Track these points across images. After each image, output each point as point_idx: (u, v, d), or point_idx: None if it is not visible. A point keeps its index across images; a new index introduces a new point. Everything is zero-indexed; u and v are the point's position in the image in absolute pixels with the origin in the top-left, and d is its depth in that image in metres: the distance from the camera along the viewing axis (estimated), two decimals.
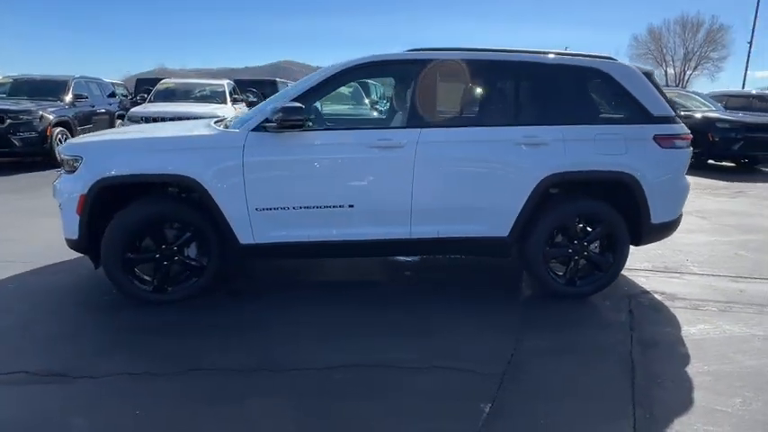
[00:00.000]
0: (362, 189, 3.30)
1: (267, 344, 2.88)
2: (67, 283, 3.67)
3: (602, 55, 3.66)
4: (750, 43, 46.64)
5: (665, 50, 52.03)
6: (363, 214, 3.33)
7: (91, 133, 4.11)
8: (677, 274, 4.11)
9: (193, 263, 3.35)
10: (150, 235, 3.24)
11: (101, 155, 3.23)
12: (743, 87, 43.65)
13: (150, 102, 9.91)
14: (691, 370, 2.69)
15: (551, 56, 3.50)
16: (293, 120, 3.06)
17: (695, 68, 51.49)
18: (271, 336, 2.98)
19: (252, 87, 13.66)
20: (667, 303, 3.55)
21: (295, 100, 3.24)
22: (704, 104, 11.44)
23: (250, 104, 10.90)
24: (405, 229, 3.38)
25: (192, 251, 3.35)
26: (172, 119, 8.24)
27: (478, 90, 3.53)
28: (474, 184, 3.36)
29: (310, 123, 3.29)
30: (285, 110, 3.08)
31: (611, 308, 3.48)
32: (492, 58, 3.46)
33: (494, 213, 3.40)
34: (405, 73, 3.49)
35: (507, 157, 3.34)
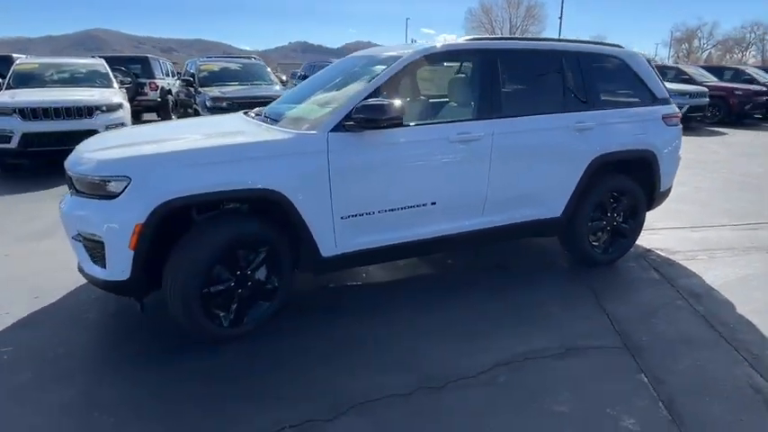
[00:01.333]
0: (444, 185, 3.22)
1: (398, 359, 2.72)
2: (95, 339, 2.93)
3: (614, 43, 4.04)
4: (561, 18, 54.17)
5: (494, 23, 57.71)
6: (444, 210, 3.26)
7: (104, 143, 3.08)
8: (652, 230, 4.82)
9: (267, 286, 2.94)
10: (224, 261, 2.74)
11: (158, 173, 2.58)
12: None
13: (10, 88, 7.92)
14: (742, 310, 3.28)
15: (588, 45, 3.77)
16: (386, 119, 2.82)
17: None
18: (392, 349, 2.81)
19: (119, 66, 11.76)
20: (672, 258, 4.20)
21: (370, 95, 2.98)
22: None
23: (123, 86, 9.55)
24: (478, 221, 3.41)
25: (261, 272, 2.93)
26: (57, 109, 6.83)
27: (536, 79, 3.64)
28: (537, 170, 3.51)
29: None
30: (371, 108, 2.82)
31: (639, 268, 4.00)
32: (547, 47, 3.61)
33: (552, 196, 3.61)
34: (474, 62, 3.42)
35: (565, 142, 3.55)
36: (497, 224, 3.49)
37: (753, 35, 78.17)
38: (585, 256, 3.90)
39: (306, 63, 13.52)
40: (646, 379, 2.57)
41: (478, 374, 2.59)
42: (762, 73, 17.03)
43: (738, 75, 16.68)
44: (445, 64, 3.73)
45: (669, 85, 8.53)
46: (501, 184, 3.39)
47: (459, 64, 3.81)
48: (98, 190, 2.59)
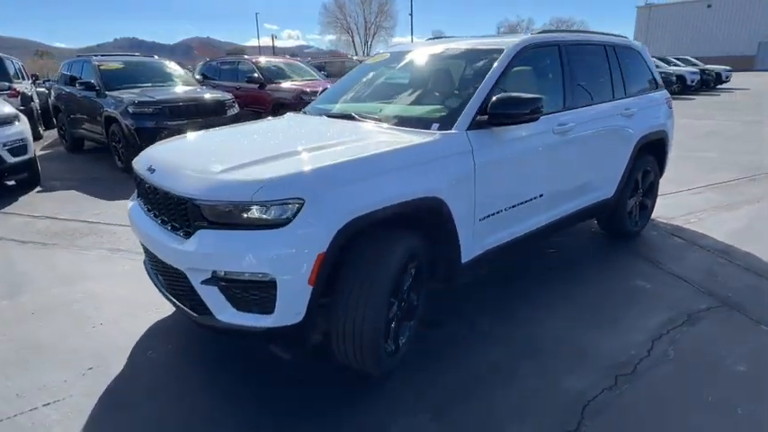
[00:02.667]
0: (548, 177, 3.26)
1: (570, 353, 2.71)
2: None
3: (620, 35, 4.45)
4: (411, 15, 57.06)
5: (349, 19, 58.63)
6: (546, 201, 3.30)
7: (216, 161, 2.41)
8: None
9: (414, 303, 2.69)
10: (396, 284, 2.43)
11: (335, 190, 2.16)
12: None
13: None
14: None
15: (616, 37, 4.09)
16: (527, 113, 2.74)
17: (374, 36, 60.12)
18: (562, 343, 2.79)
19: None
20: (675, 223, 4.81)
21: (492, 90, 2.87)
22: None
23: None
24: (564, 208, 3.52)
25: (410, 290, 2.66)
26: None
27: (594, 69, 3.82)
28: (603, 155, 3.75)
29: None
30: (511, 103, 2.72)
31: (661, 236, 4.51)
32: (597, 40, 3.83)
33: (610, 178, 3.89)
34: (556, 54, 3.46)
35: (620, 127, 3.83)
36: (573, 210, 3.63)
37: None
38: (624, 230, 4.27)
39: (202, 63, 12.34)
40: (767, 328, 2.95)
41: (648, 353, 2.71)
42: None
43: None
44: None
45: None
46: (581, 171, 3.56)
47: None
48: (258, 217, 2.09)
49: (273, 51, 54.57)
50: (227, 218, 2.13)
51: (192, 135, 3.27)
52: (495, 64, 3.01)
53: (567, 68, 3.44)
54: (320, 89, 9.10)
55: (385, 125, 2.89)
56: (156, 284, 2.72)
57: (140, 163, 2.73)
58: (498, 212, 2.94)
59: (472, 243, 2.83)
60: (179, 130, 6.95)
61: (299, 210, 2.08)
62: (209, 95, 7.77)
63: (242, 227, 2.12)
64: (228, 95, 8.06)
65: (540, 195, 3.22)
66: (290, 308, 2.13)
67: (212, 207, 2.14)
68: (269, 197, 2.07)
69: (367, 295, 2.23)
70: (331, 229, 2.11)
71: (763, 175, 6.58)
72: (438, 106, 2.96)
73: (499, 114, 2.73)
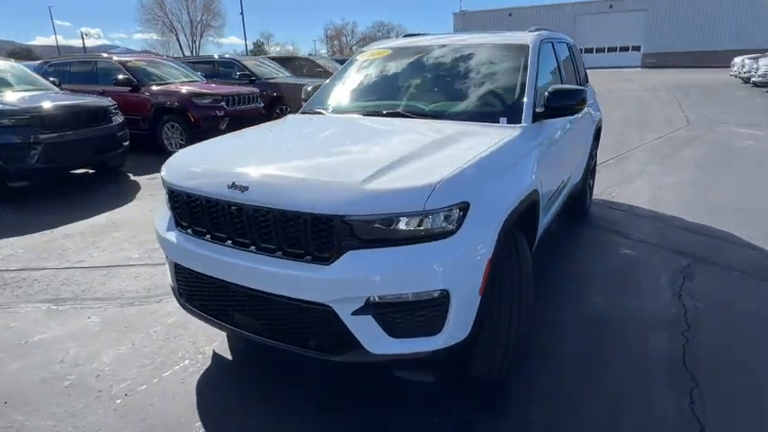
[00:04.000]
0: (567, 163, 3.51)
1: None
2: None
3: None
4: (242, 14, 54.72)
5: (171, 17, 53.72)
6: (565, 188, 3.55)
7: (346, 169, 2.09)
8: None
9: None
10: None
11: (487, 189, 2.01)
12: (246, 53, 51.51)
13: None
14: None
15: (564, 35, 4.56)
16: (576, 104, 2.89)
17: (202, 36, 56.15)
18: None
19: None
20: (603, 198, 5.55)
21: (535, 85, 2.97)
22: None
23: None
24: (566, 193, 3.82)
25: None
26: None
27: (568, 64, 4.17)
28: (584, 140, 4.19)
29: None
30: (564, 95, 2.85)
31: (603, 210, 5.17)
32: (566, 38, 4.19)
33: (582, 161, 4.31)
34: (551, 49, 3.64)
35: (588, 117, 4.30)
36: (569, 194, 3.97)
37: (380, 33, 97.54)
38: (584, 208, 4.81)
39: (39, 64, 10.05)
40: None
41: (684, 309, 3.12)
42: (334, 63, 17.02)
43: (310, 65, 14.95)
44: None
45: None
46: (576, 156, 3.91)
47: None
48: (426, 228, 1.84)
49: (85, 50, 47.16)
50: (387, 233, 1.84)
51: (225, 142, 2.78)
52: (529, 58, 3.11)
53: (559, 61, 3.73)
54: (215, 91, 8.25)
55: (449, 122, 2.78)
56: (233, 331, 2.21)
57: (210, 181, 2.17)
58: (548, 201, 3.07)
59: (539, 234, 2.91)
60: (56, 145, 5.67)
61: (464, 215, 1.90)
62: (90, 102, 6.44)
63: (403, 241, 1.85)
64: (111, 101, 6.79)
65: (564, 182, 3.45)
66: (461, 324, 1.94)
67: (369, 222, 1.82)
68: (442, 203, 1.85)
69: (519, 296, 2.14)
70: (494, 231, 1.99)
71: (629, 152, 7.97)
72: (494, 100, 2.96)
73: (554, 107, 2.84)
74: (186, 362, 2.63)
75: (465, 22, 52.02)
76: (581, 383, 2.44)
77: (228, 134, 3.04)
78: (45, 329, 3.00)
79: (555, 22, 43.68)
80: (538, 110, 2.84)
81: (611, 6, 45.98)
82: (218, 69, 11.43)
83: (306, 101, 3.74)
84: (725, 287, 3.42)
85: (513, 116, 2.77)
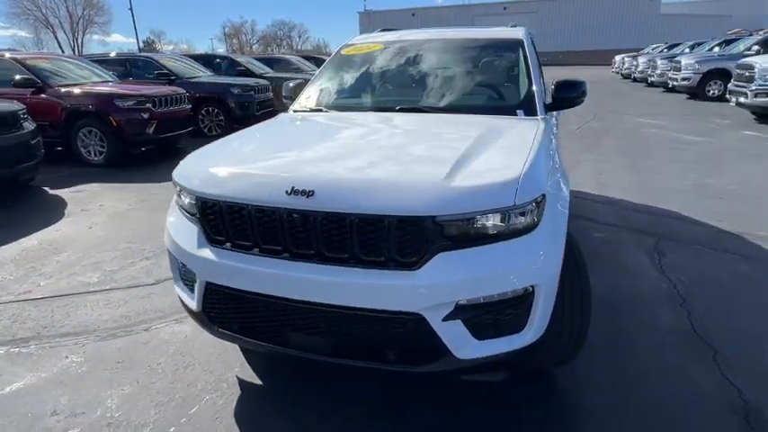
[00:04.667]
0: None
1: None
2: None
3: None
4: (131, 10, 50.65)
5: (45, 11, 48.04)
6: None
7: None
8: None
9: None
10: None
11: (551, 181, 2.06)
12: (139, 50, 47.82)
13: None
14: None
15: None
16: (579, 95, 2.98)
17: (85, 33, 50.90)
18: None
19: None
20: None
21: (540, 79, 3.04)
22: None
23: None
24: None
25: None
26: None
27: None
28: None
29: None
30: (569, 87, 2.93)
31: None
32: None
33: None
34: (531, 42, 3.72)
35: None
36: None
37: (282, 32, 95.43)
38: None
39: None
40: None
41: (673, 284, 3.38)
42: (303, 61, 17.16)
43: (287, 63, 15.92)
44: None
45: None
46: None
47: None
48: (513, 223, 1.79)
49: None
50: (477, 232, 1.76)
51: (248, 144, 2.52)
52: (527, 52, 3.17)
53: (536, 53, 3.85)
54: (140, 92, 7.48)
55: (473, 116, 2.75)
56: (286, 353, 1.99)
57: (261, 187, 1.92)
58: None
59: None
60: None
61: (543, 207, 1.88)
62: None
63: (491, 239, 1.78)
64: (20, 105, 5.87)
65: None
66: (543, 319, 1.92)
67: (462, 221, 1.73)
68: (528, 197, 1.81)
69: (579, 286, 2.16)
70: (565, 221, 2.01)
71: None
72: (508, 94, 2.98)
73: (562, 98, 2.92)
74: (212, 394, 2.33)
75: (370, 21, 52.60)
76: (614, 363, 2.53)
77: (234, 135, 2.72)
78: (14, 378, 2.50)
79: (455, 21, 45.70)
80: (546, 101, 2.90)
81: (504, 8, 49.12)
82: (129, 69, 10.42)
83: (289, 98, 3.52)
84: (695, 260, 3.76)
85: (530, 108, 2.81)
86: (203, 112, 9.82)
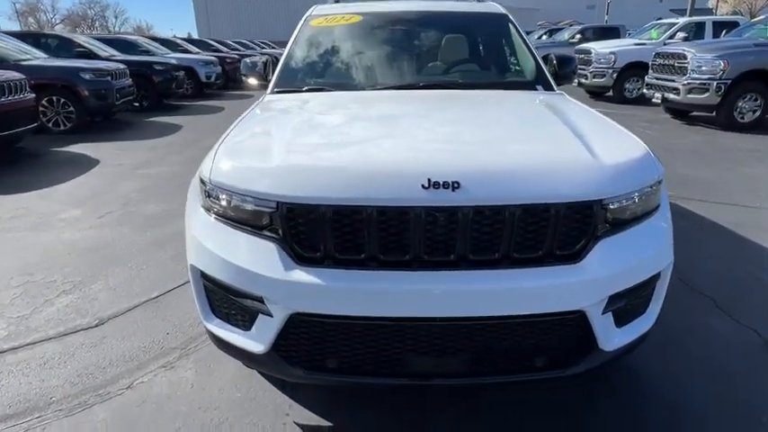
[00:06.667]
0: None
1: None
2: None
3: None
4: None
5: None
6: None
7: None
8: None
9: None
10: None
11: None
12: None
13: None
14: None
15: None
16: (573, 72, 3.02)
17: None
18: None
19: None
20: None
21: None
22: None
23: None
24: None
25: None
26: None
27: None
28: None
29: None
30: (566, 61, 2.95)
31: None
32: None
33: None
34: None
35: None
36: None
37: (93, 11, 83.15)
38: None
39: None
40: None
41: None
42: (152, 42, 14.78)
43: (134, 45, 13.42)
44: None
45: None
46: None
47: None
48: (654, 202, 1.71)
49: None
50: (634, 214, 1.65)
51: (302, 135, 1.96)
52: (515, 28, 3.09)
53: None
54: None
55: (498, 91, 2.59)
56: (401, 384, 1.64)
57: (381, 184, 1.50)
58: None
59: None
60: None
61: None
62: None
63: (637, 221, 1.67)
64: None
65: None
66: (660, 297, 1.86)
67: (624, 203, 1.58)
68: (661, 172, 1.71)
69: None
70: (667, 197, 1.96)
71: None
72: (521, 68, 2.87)
73: (564, 73, 2.92)
74: None
75: (208, 6, 48.54)
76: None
77: (254, 120, 2.12)
78: None
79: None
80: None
81: None
82: None
83: (247, 77, 2.95)
84: None
85: (546, 83, 2.74)
86: (45, 102, 7.94)
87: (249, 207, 1.58)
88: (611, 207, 1.56)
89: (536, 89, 2.69)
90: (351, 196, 1.48)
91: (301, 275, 1.51)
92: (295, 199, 1.51)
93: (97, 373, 2.29)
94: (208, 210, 1.73)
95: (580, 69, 12.08)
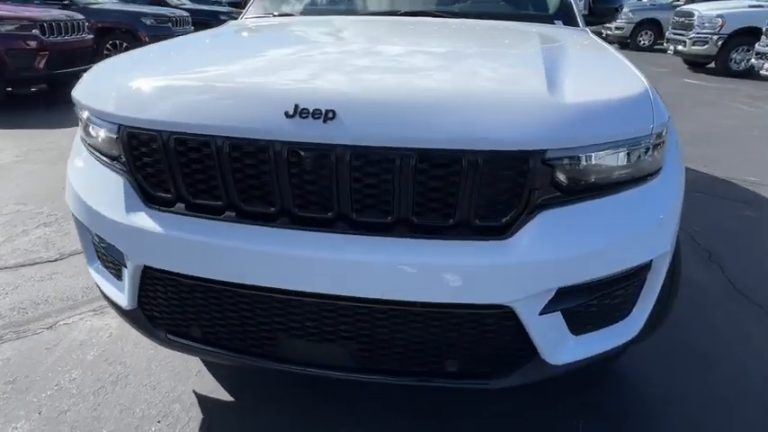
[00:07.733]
0: None
1: None
2: None
3: None
4: None
5: None
6: None
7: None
8: None
9: None
10: None
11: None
12: None
13: None
14: None
15: None
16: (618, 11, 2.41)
17: None
18: None
19: None
20: None
21: None
22: None
23: None
24: None
25: None
26: None
27: None
28: None
29: None
30: None
31: None
32: None
33: None
34: None
35: None
36: None
37: None
38: None
39: None
40: None
41: None
42: None
43: None
44: None
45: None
46: None
47: None
48: (642, 163, 1.19)
49: None
50: (599, 176, 1.14)
51: (190, 51, 1.67)
52: None
53: None
54: (22, 15, 5.92)
55: (495, 21, 2.08)
56: (277, 368, 1.30)
57: (238, 108, 1.14)
58: None
59: None
60: None
61: (665, 145, 1.28)
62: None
63: (611, 189, 1.16)
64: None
65: None
66: (650, 299, 1.35)
67: (581, 159, 1.09)
68: (661, 123, 1.19)
69: (673, 255, 1.62)
70: (683, 169, 1.41)
71: None
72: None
73: (601, 11, 2.33)
74: (159, 424, 1.59)
75: None
76: None
77: (163, 43, 1.83)
78: None
79: None
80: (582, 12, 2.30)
81: None
82: None
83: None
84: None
85: (568, 17, 2.18)
86: (108, 46, 8.23)
87: (102, 133, 1.29)
88: (562, 163, 1.08)
89: (552, 23, 2.13)
90: (197, 122, 1.12)
91: (146, 221, 1.21)
92: (136, 122, 1.18)
93: (30, 308, 2.19)
94: (82, 138, 1.47)
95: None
